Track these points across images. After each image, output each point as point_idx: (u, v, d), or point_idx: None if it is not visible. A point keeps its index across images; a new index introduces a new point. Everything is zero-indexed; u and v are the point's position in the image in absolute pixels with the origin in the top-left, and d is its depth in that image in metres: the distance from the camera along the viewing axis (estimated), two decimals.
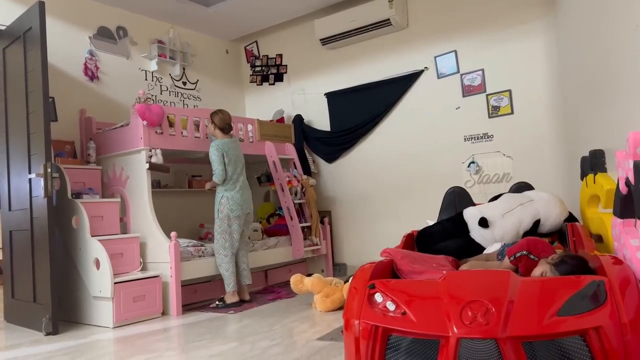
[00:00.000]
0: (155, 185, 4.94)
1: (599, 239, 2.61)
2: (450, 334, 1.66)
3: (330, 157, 5.81)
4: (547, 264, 2.14)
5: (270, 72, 6.33)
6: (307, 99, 6.00)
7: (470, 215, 3.16)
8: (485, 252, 2.89)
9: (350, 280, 2.35)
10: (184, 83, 5.83)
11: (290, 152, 5.54)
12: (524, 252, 2.28)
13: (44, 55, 3.58)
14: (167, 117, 4.32)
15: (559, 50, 4.31)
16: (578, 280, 1.78)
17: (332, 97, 5.77)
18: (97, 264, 3.70)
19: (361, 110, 5.49)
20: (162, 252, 4.00)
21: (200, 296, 4.41)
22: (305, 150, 5.84)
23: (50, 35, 3.90)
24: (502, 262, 2.43)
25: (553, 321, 1.63)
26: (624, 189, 2.03)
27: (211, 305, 4.17)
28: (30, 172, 3.72)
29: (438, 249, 2.96)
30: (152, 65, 5.44)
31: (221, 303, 4.14)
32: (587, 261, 2.09)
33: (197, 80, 5.99)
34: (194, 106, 5.82)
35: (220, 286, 4.62)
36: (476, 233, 3.07)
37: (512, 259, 2.31)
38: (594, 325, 1.60)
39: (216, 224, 4.23)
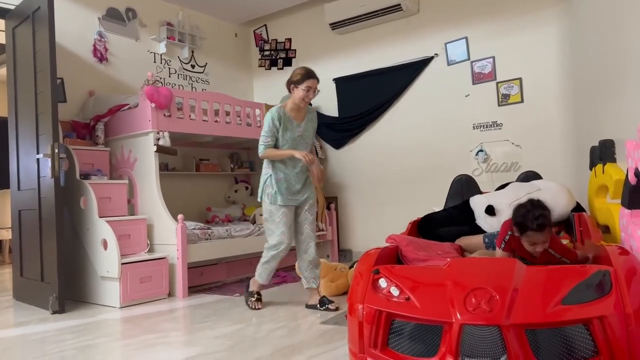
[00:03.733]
0: (163, 168, 4.95)
1: (606, 229, 2.60)
2: (454, 320, 1.67)
3: (338, 143, 5.79)
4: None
5: (279, 56, 6.30)
6: None
7: (477, 203, 3.16)
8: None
9: (355, 266, 2.36)
10: (193, 66, 5.82)
11: None
12: (509, 233, 2.31)
13: (52, 36, 3.58)
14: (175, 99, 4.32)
15: (572, 39, 4.25)
16: (584, 270, 1.78)
17: (340, 82, 5.73)
18: (105, 244, 3.73)
19: (370, 97, 5.46)
20: (169, 234, 4.03)
21: (206, 278, 4.45)
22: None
23: (59, 16, 3.90)
24: (495, 253, 2.43)
25: (557, 310, 1.63)
26: (633, 180, 2.02)
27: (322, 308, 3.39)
28: (38, 153, 3.74)
29: (440, 233, 2.97)
30: (161, 48, 5.43)
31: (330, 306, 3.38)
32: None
33: (206, 63, 5.97)
34: (202, 89, 5.81)
35: (226, 268, 4.66)
36: (482, 220, 3.07)
37: (503, 246, 2.32)
38: (598, 314, 1.60)
39: (314, 212, 3.57)
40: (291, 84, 3.46)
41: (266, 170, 3.46)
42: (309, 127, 3.57)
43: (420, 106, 5.19)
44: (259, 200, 3.52)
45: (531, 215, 2.15)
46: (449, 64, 5.01)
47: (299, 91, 3.43)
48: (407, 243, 2.49)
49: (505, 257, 2.31)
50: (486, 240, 2.76)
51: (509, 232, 2.30)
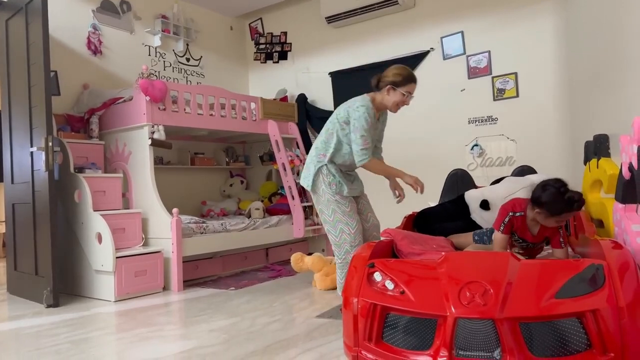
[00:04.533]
0: (158, 161, 4.93)
1: (600, 223, 2.61)
2: (448, 314, 1.68)
3: None
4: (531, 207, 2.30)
5: (274, 50, 6.28)
6: (311, 78, 5.96)
7: (472, 198, 3.17)
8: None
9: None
10: (188, 59, 5.79)
11: (293, 131, 5.52)
12: (510, 214, 2.35)
13: (46, 28, 3.55)
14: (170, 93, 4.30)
15: (567, 34, 4.26)
16: (577, 264, 1.79)
17: (336, 76, 5.72)
18: (99, 238, 3.72)
19: (365, 91, 5.42)
20: (164, 228, 4.02)
21: (201, 272, 4.45)
22: (308, 130, 5.82)
23: (53, 8, 3.88)
24: (494, 236, 2.45)
25: (550, 303, 1.64)
26: (626, 174, 2.03)
27: None
28: (32, 146, 3.72)
29: (436, 229, 2.98)
30: (156, 41, 5.40)
31: None
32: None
33: (201, 56, 5.94)
34: (198, 83, 5.79)
35: (221, 262, 4.66)
36: (477, 215, 3.08)
37: (502, 228, 2.35)
38: (591, 308, 1.61)
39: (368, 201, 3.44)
40: (387, 84, 2.99)
41: (320, 158, 3.10)
42: (382, 129, 3.22)
43: (416, 100, 5.12)
44: (309, 189, 3.16)
45: (569, 197, 2.17)
46: (444, 58, 5.01)
47: (397, 95, 2.94)
48: (402, 237, 2.50)
49: (504, 239, 2.34)
50: (476, 237, 2.77)
51: (510, 214, 2.34)
